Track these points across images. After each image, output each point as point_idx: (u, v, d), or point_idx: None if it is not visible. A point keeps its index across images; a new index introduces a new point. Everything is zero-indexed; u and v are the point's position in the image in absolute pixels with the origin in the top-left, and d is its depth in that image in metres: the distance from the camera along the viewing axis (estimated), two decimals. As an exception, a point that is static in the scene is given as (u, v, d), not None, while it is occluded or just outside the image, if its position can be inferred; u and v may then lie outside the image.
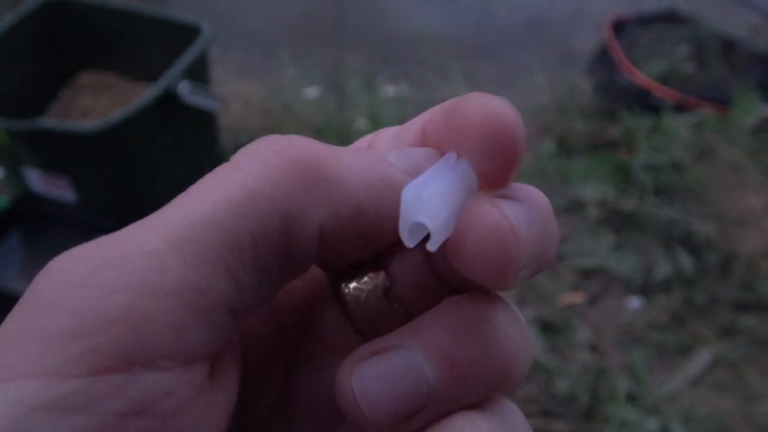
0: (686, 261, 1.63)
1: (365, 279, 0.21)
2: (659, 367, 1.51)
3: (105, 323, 0.16)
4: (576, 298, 1.59)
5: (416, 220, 0.18)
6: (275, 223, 0.17)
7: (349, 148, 0.20)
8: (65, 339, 0.16)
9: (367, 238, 0.19)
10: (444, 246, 0.19)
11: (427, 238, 0.19)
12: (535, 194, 0.21)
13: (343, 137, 1.90)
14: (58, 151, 1.51)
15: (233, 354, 0.19)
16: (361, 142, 0.23)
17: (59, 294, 0.17)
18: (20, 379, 0.15)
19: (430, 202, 0.18)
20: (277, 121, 2.00)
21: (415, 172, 0.19)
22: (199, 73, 1.65)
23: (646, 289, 1.62)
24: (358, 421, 0.18)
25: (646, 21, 2.22)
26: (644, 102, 1.99)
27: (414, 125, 0.21)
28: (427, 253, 0.20)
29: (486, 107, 0.19)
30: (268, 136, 0.19)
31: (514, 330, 0.20)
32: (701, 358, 1.51)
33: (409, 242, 0.19)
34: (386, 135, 0.22)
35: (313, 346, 0.22)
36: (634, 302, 1.60)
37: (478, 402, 0.19)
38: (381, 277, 0.21)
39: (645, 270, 1.64)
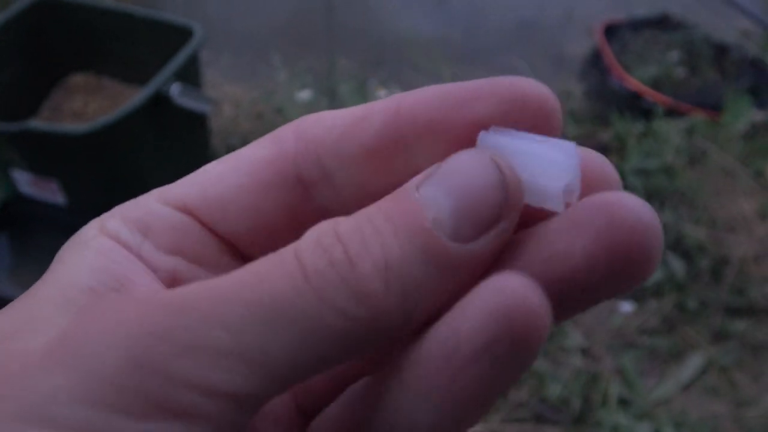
0: (677, 265, 1.63)
1: None
2: (651, 371, 1.51)
3: (149, 408, 0.16)
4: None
5: (569, 183, 0.18)
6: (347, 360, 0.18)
7: (373, 218, 0.17)
8: (106, 410, 0.16)
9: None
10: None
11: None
12: None
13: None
14: (48, 154, 1.50)
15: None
16: (283, 136, 0.21)
17: (112, 367, 0.16)
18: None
19: (573, 157, 0.18)
20: (269, 124, 1.99)
21: (476, 220, 0.16)
22: (190, 75, 1.64)
23: (638, 293, 1.62)
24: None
25: (637, 26, 2.23)
26: (636, 106, 2.00)
27: (380, 109, 0.19)
28: None
29: (529, 85, 0.18)
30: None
31: None
32: (692, 362, 1.51)
33: (559, 207, 0.18)
34: (332, 124, 0.20)
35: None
36: (626, 307, 1.60)
37: None
38: None
39: (636, 274, 1.64)
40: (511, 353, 0.16)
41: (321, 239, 0.17)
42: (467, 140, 0.18)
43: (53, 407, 0.15)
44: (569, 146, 0.18)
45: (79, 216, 1.43)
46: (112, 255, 0.20)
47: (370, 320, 0.16)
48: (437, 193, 0.16)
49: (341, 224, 0.17)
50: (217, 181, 0.21)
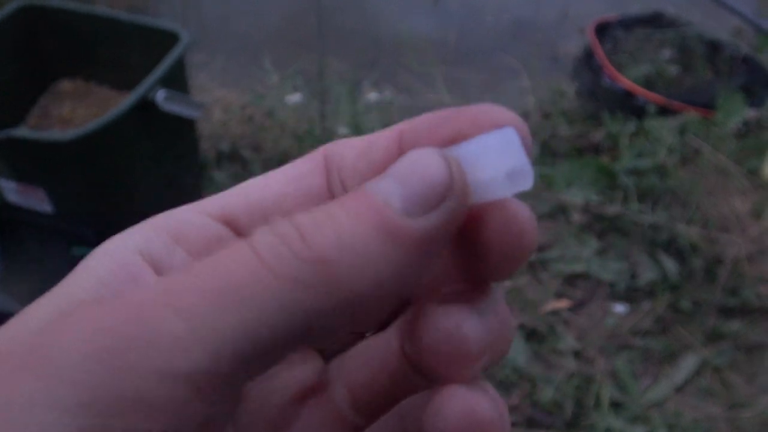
0: (671, 266, 1.62)
1: None
2: (644, 373, 1.49)
3: (120, 405, 0.16)
4: (560, 304, 1.58)
5: (513, 165, 0.19)
6: (295, 331, 0.17)
7: (344, 211, 0.18)
8: (80, 412, 0.16)
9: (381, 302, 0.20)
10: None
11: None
12: None
13: (324, 143, 1.89)
14: (33, 161, 1.49)
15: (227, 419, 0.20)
16: (316, 156, 0.23)
17: (79, 368, 0.16)
18: None
19: (511, 147, 0.19)
20: (259, 128, 1.98)
21: (426, 197, 0.18)
22: (177, 80, 1.63)
23: (631, 294, 1.61)
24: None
25: (630, 24, 2.22)
26: (628, 106, 1.98)
27: (387, 135, 0.22)
28: None
29: (493, 110, 0.20)
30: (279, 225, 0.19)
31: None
32: (686, 363, 1.50)
33: (506, 191, 0.19)
34: (352, 146, 0.23)
35: None
36: (619, 308, 1.59)
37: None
38: None
39: (629, 275, 1.63)
40: None
41: (274, 227, 0.18)
42: None
43: (21, 413, 0.16)
44: (509, 133, 0.19)
45: (67, 224, 1.42)
46: (126, 268, 0.21)
47: (330, 287, 0.17)
48: (388, 183, 0.18)
49: (296, 215, 0.18)
50: (259, 189, 0.22)
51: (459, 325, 0.20)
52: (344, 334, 0.21)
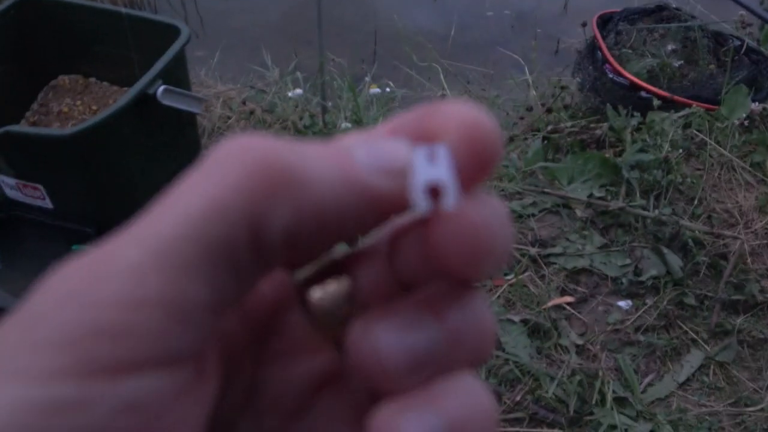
0: (675, 261, 1.61)
1: (329, 285, 0.23)
2: (648, 369, 1.49)
3: (94, 335, 0.17)
4: (563, 300, 1.57)
5: (433, 178, 0.20)
6: (244, 229, 0.18)
7: (316, 145, 0.21)
8: (56, 348, 0.17)
9: (330, 238, 0.21)
10: (414, 241, 0.21)
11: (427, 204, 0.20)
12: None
13: (326, 138, 1.88)
14: (33, 157, 1.48)
15: (215, 352, 0.20)
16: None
17: (51, 307, 0.18)
18: (13, 382, 0.17)
19: (443, 163, 0.20)
20: (260, 123, 1.97)
21: (384, 166, 0.20)
22: (178, 75, 1.61)
23: (635, 290, 1.60)
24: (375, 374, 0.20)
25: (633, 16, 2.20)
26: (631, 99, 1.97)
27: (383, 129, 0.22)
28: (390, 255, 0.22)
29: (464, 112, 0.20)
30: (233, 138, 0.20)
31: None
32: (691, 359, 1.49)
33: (423, 205, 0.20)
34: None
35: (279, 345, 0.23)
36: (623, 304, 1.58)
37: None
38: (344, 282, 0.22)
39: (633, 271, 1.62)
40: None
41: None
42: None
43: (5, 356, 0.17)
44: (441, 150, 0.20)
45: (67, 220, 1.41)
46: None
47: (287, 196, 0.19)
48: (363, 151, 0.20)
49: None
50: None
51: (376, 341, 0.20)
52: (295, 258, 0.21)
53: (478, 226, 0.19)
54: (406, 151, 0.20)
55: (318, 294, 0.23)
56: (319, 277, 0.23)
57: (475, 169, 0.20)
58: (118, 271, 0.18)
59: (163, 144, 1.64)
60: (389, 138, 0.21)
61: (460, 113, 0.20)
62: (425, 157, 0.20)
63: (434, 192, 0.20)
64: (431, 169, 0.20)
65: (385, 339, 0.20)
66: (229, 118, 2.00)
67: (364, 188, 0.20)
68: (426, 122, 0.21)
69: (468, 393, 0.20)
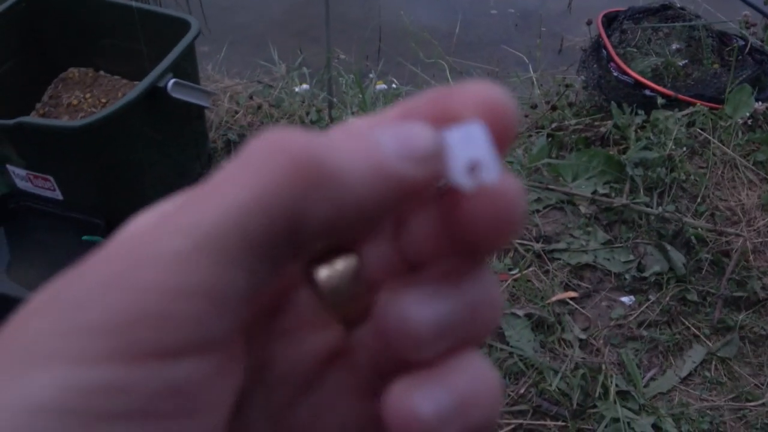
0: (678, 258, 1.62)
1: (337, 263, 0.23)
2: (650, 364, 1.50)
3: (137, 320, 0.18)
4: (567, 295, 1.58)
5: (474, 157, 0.21)
6: (283, 222, 0.19)
7: (343, 133, 0.21)
8: (99, 333, 0.17)
9: (361, 226, 0.21)
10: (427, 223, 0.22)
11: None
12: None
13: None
14: (43, 149, 1.49)
15: (242, 335, 0.21)
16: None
17: (93, 292, 0.18)
18: (55, 365, 0.17)
19: (480, 140, 0.21)
20: (267, 118, 1.98)
21: (413, 153, 0.21)
22: (187, 68, 1.63)
23: (638, 286, 1.61)
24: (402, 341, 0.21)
25: (638, 15, 2.21)
26: (636, 98, 1.98)
27: (393, 114, 0.23)
28: (396, 234, 0.23)
29: (485, 91, 0.21)
30: (268, 133, 0.20)
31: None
32: (693, 355, 1.51)
33: (468, 184, 0.21)
34: (367, 120, 0.24)
35: (287, 323, 0.24)
36: (626, 299, 1.59)
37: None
38: (351, 261, 0.23)
39: (636, 267, 1.63)
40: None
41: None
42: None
43: (49, 341, 0.18)
44: (476, 128, 0.21)
45: (77, 211, 1.43)
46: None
47: (322, 191, 0.19)
48: (388, 137, 0.20)
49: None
50: None
51: (405, 309, 0.21)
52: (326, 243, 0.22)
53: (513, 197, 0.21)
54: (433, 135, 0.21)
55: (325, 272, 0.23)
56: (324, 256, 0.23)
57: (500, 144, 0.21)
58: (161, 258, 0.18)
59: (171, 137, 1.66)
60: (412, 123, 0.21)
61: (482, 92, 0.21)
62: (460, 138, 0.21)
63: (473, 169, 0.21)
64: (468, 147, 0.21)
65: (415, 308, 0.21)
66: (237, 112, 2.01)
67: (396, 178, 0.20)
68: (443, 104, 0.22)
69: (476, 371, 0.21)
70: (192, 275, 0.18)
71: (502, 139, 0.21)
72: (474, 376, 0.21)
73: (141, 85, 1.45)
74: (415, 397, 0.20)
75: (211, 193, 0.19)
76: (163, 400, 0.18)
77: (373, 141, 0.21)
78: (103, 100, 1.82)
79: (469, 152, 0.21)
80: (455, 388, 0.21)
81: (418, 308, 0.21)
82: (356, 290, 0.23)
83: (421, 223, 0.22)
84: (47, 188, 1.57)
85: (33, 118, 1.63)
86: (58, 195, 1.58)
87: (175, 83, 1.51)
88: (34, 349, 0.18)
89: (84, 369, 0.17)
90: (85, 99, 1.82)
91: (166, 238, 0.19)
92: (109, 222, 1.60)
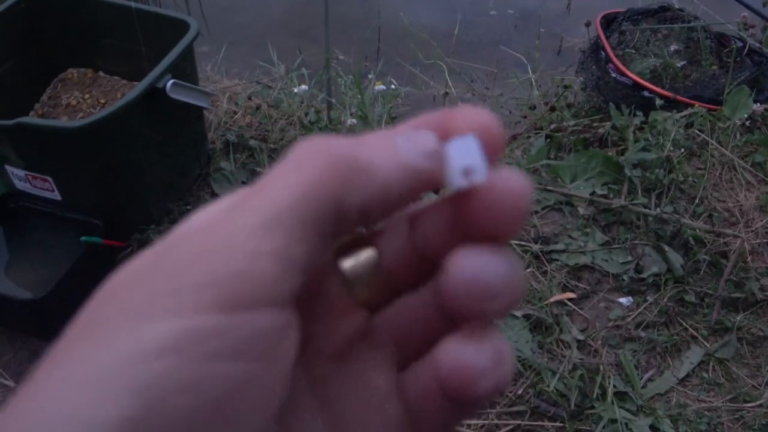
0: (676, 259, 1.62)
1: (360, 255, 0.28)
2: (648, 365, 1.50)
3: (234, 278, 0.22)
4: (565, 296, 1.59)
5: (468, 163, 0.25)
6: (330, 206, 0.24)
7: (370, 138, 0.27)
8: (207, 288, 0.22)
9: (389, 210, 0.26)
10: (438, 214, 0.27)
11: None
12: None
13: (332, 134, 1.89)
14: (42, 149, 1.49)
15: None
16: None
17: (199, 256, 0.23)
18: (173, 316, 0.21)
19: (473, 150, 0.26)
20: (266, 118, 1.98)
21: (422, 149, 0.26)
22: (186, 69, 1.63)
23: (636, 287, 1.61)
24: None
25: (636, 17, 2.22)
26: (634, 99, 1.98)
27: (408, 125, 0.28)
28: (411, 230, 0.28)
29: (479, 113, 0.27)
30: (311, 140, 0.26)
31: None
32: (691, 356, 1.51)
33: (462, 183, 0.26)
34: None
35: (321, 306, 0.28)
36: (624, 300, 1.59)
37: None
38: (372, 253, 0.27)
39: (634, 268, 1.64)
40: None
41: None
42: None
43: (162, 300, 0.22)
44: (470, 139, 0.26)
45: (75, 211, 1.42)
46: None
47: (361, 182, 0.24)
48: (404, 140, 0.26)
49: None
50: None
51: (482, 265, 0.26)
52: (368, 221, 0.27)
53: (520, 190, 0.25)
54: (433, 137, 0.26)
55: (350, 263, 0.28)
56: (349, 249, 0.28)
57: (490, 153, 0.26)
58: (243, 230, 0.23)
59: (170, 137, 1.66)
60: (420, 130, 0.27)
61: (475, 113, 0.27)
62: (456, 148, 0.26)
63: (467, 172, 0.25)
64: (463, 155, 0.26)
65: (489, 263, 0.25)
66: (235, 113, 2.01)
67: (411, 168, 0.26)
68: (447, 121, 0.27)
69: (501, 338, 0.26)
70: (268, 243, 0.23)
71: (492, 149, 0.26)
72: (501, 340, 0.26)
73: (140, 86, 1.46)
74: (468, 350, 0.25)
75: (271, 184, 0.24)
76: (252, 344, 0.22)
77: (394, 143, 0.26)
78: (102, 101, 1.82)
79: (464, 159, 0.26)
80: (494, 347, 0.26)
81: (490, 263, 0.25)
82: (375, 278, 0.28)
83: (431, 222, 0.27)
84: (46, 189, 1.57)
85: (32, 119, 1.63)
86: (56, 195, 1.58)
87: (173, 84, 1.51)
88: (150, 304, 0.22)
89: (194, 318, 0.21)
90: (84, 99, 1.82)
91: (243, 217, 0.23)
92: (107, 222, 1.60)
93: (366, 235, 0.29)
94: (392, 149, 0.26)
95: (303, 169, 0.24)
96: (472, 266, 0.25)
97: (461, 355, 0.25)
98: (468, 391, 0.25)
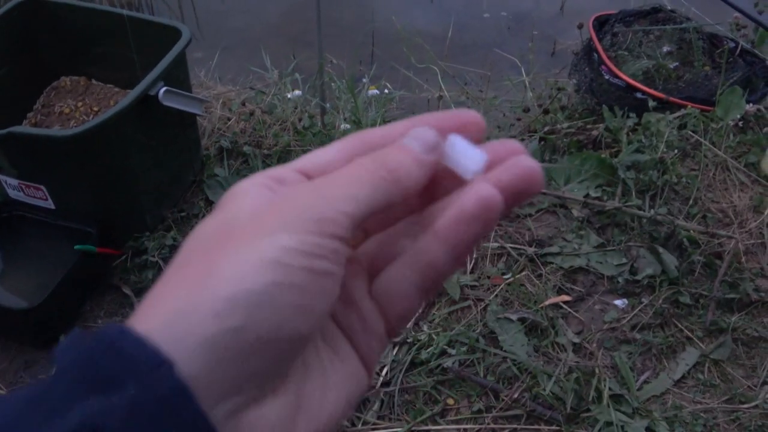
0: (670, 260, 1.62)
1: None
2: (644, 367, 1.50)
3: (331, 216, 0.31)
4: (560, 298, 1.59)
5: (466, 155, 0.34)
6: (383, 202, 0.33)
7: (392, 149, 0.35)
8: (313, 221, 0.30)
9: (404, 198, 0.34)
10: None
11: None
12: None
13: (325, 139, 1.89)
14: (34, 158, 1.49)
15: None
16: (354, 138, 0.37)
17: (308, 204, 0.31)
18: (287, 234, 0.30)
19: (474, 151, 0.34)
20: (260, 124, 1.98)
21: (426, 145, 0.35)
22: (179, 76, 1.63)
23: (631, 289, 1.61)
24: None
25: (628, 19, 2.22)
26: (628, 100, 1.99)
27: (399, 129, 0.36)
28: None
29: (469, 113, 0.36)
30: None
31: None
32: (686, 357, 1.51)
33: (469, 175, 0.34)
34: (377, 133, 0.37)
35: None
36: (619, 302, 1.59)
37: None
38: None
39: (629, 270, 1.64)
40: (484, 220, 0.33)
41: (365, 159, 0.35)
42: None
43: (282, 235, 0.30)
44: (479, 152, 0.35)
45: (69, 219, 1.42)
46: (269, 192, 0.34)
47: (389, 178, 0.33)
48: (411, 140, 0.35)
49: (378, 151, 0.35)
50: (321, 156, 0.36)
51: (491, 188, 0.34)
52: (397, 210, 0.38)
53: (532, 166, 0.34)
54: (432, 132, 0.35)
55: None
56: None
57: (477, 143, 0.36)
58: (333, 197, 0.32)
59: (163, 145, 1.66)
60: (418, 127, 0.35)
61: (466, 113, 0.36)
62: (455, 143, 0.35)
63: (466, 163, 0.34)
64: (461, 150, 0.35)
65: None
66: (229, 119, 2.01)
67: (424, 161, 0.34)
68: (443, 120, 0.36)
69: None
70: (347, 207, 0.31)
71: (478, 141, 0.35)
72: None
73: (132, 94, 1.45)
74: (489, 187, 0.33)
75: (325, 183, 0.33)
76: (335, 265, 0.31)
77: (406, 146, 0.34)
78: (95, 109, 1.82)
79: (463, 152, 0.35)
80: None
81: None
82: (359, 234, 0.38)
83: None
84: (39, 197, 1.57)
85: (24, 128, 1.63)
86: (50, 204, 1.58)
87: (166, 91, 1.51)
88: (271, 227, 0.30)
89: (301, 236, 0.30)
90: (77, 107, 1.82)
91: (332, 189, 0.32)
92: (101, 230, 1.60)
93: None
94: (410, 152, 0.34)
95: (357, 177, 0.33)
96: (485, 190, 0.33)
97: (485, 189, 0.33)
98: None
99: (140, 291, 1.62)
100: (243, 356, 0.28)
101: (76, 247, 1.54)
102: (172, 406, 0.26)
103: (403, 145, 0.34)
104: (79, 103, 1.83)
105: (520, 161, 0.34)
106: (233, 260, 0.29)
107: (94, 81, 1.88)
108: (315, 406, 0.33)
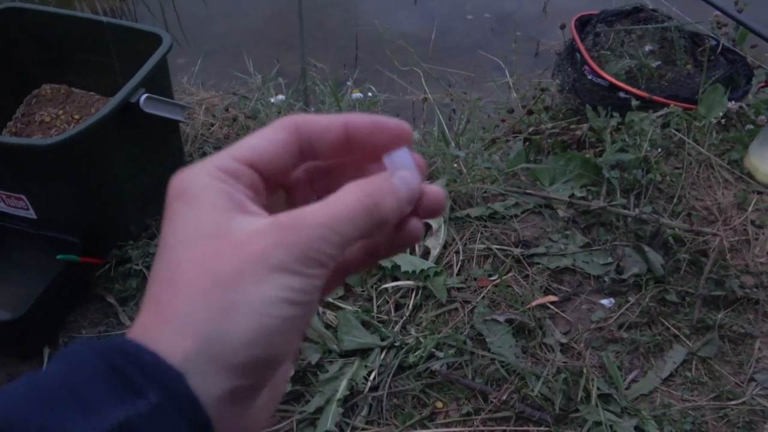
0: (656, 259, 1.63)
1: (281, 197, 0.43)
2: (632, 366, 1.50)
3: (312, 257, 0.33)
4: (547, 299, 1.58)
5: (404, 171, 0.39)
6: (362, 231, 0.37)
7: (392, 190, 0.39)
8: (300, 259, 0.33)
9: (380, 226, 0.39)
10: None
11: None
12: None
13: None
14: (15, 167, 1.47)
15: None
16: (289, 123, 0.38)
17: (300, 240, 0.34)
18: (282, 275, 0.33)
19: (408, 157, 0.39)
20: (243, 129, 1.97)
21: (408, 186, 0.39)
22: (160, 82, 1.62)
23: (617, 288, 1.62)
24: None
25: (610, 19, 2.23)
26: (611, 100, 1.99)
27: (337, 123, 0.39)
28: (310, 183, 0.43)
29: (397, 124, 0.40)
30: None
31: None
32: (673, 355, 1.51)
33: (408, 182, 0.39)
34: (316, 122, 0.39)
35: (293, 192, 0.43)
36: (606, 302, 1.59)
37: None
38: (285, 195, 0.43)
39: (615, 269, 1.64)
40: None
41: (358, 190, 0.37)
42: (372, 146, 0.40)
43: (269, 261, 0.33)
44: (405, 151, 0.40)
45: (51, 229, 1.40)
46: (227, 188, 0.35)
47: (374, 213, 0.36)
48: (397, 181, 0.38)
49: (367, 184, 0.37)
50: (258, 142, 0.37)
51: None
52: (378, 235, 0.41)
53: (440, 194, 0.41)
54: (417, 176, 0.39)
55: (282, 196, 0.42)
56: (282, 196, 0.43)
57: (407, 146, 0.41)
58: (319, 229, 0.34)
59: (146, 152, 1.64)
60: (406, 172, 0.39)
61: (398, 125, 0.40)
62: (396, 158, 0.39)
63: (405, 175, 0.39)
64: (401, 164, 0.39)
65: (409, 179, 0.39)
66: (212, 125, 2.00)
67: (405, 210, 0.39)
68: (377, 131, 0.40)
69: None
70: (334, 236, 0.34)
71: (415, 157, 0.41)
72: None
73: (112, 102, 1.44)
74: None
75: (331, 201, 0.36)
76: (324, 278, 0.34)
77: (395, 186, 0.38)
78: (77, 116, 1.80)
79: (403, 166, 0.39)
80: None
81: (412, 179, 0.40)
82: (288, 205, 0.42)
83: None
84: (20, 207, 1.55)
85: (4, 137, 1.61)
86: (31, 214, 1.56)
87: (147, 98, 1.50)
88: (266, 265, 0.32)
89: (305, 279, 0.33)
90: (58, 116, 1.80)
91: (317, 218, 0.35)
92: (84, 239, 1.58)
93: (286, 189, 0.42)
94: (395, 191, 0.38)
95: (357, 205, 0.36)
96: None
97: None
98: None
99: (124, 300, 1.60)
100: (253, 375, 0.33)
101: (59, 256, 1.52)
102: (190, 413, 0.30)
103: (395, 190, 0.38)
104: (60, 111, 1.81)
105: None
106: (251, 296, 0.32)
107: (75, 89, 1.86)
108: (265, 401, 0.38)
